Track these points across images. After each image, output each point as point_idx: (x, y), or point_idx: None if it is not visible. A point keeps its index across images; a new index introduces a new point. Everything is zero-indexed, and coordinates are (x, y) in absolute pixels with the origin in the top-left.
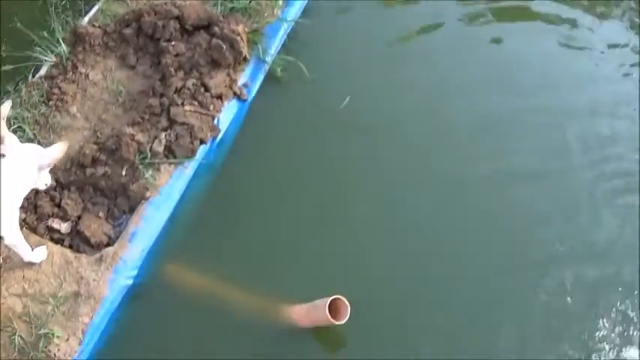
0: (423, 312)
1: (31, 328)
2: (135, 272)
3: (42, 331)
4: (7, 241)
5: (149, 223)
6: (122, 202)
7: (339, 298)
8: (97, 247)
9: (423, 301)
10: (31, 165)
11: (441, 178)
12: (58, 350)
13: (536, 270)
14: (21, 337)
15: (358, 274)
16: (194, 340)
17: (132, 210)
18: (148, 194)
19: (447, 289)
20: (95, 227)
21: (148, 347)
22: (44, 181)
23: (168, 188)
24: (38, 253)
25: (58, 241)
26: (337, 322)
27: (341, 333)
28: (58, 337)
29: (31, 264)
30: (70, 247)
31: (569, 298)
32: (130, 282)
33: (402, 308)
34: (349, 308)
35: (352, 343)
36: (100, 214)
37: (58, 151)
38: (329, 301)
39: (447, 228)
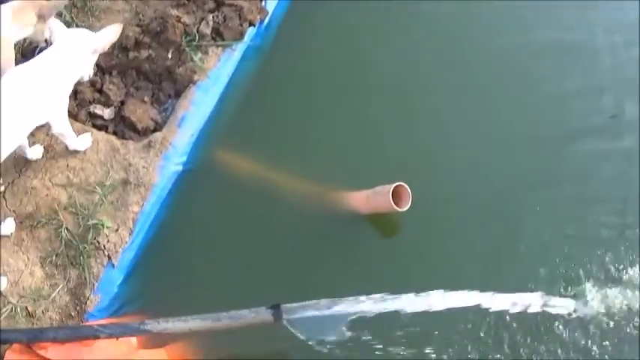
0: (481, 206)
1: (78, 219)
2: (184, 158)
3: (90, 222)
4: (55, 129)
5: (198, 107)
6: (167, 86)
7: (401, 185)
8: (144, 132)
9: (483, 194)
10: (82, 50)
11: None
12: (108, 241)
13: None
14: (67, 229)
15: (415, 162)
16: (246, 227)
17: (178, 94)
18: (195, 77)
19: (507, 186)
20: (141, 112)
21: (198, 235)
22: (89, 71)
23: (217, 71)
24: (83, 140)
25: (102, 128)
26: (399, 209)
27: (398, 220)
28: (107, 227)
29: (75, 152)
30: (115, 133)
31: None
32: (180, 168)
33: (460, 199)
34: (411, 195)
35: (408, 230)
36: (145, 98)
37: (112, 33)
38: (392, 188)
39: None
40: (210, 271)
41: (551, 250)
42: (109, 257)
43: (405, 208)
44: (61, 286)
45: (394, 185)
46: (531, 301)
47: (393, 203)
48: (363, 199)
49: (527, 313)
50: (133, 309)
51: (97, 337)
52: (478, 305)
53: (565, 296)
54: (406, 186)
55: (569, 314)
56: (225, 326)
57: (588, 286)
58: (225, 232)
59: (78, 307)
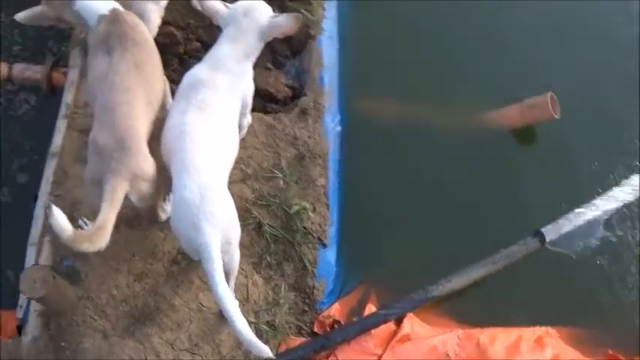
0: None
1: (274, 209)
2: (339, 116)
3: (292, 210)
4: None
5: (328, 60)
6: (280, 47)
7: (552, 95)
8: (284, 102)
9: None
10: None
11: None
12: (312, 223)
13: None
14: (269, 225)
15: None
16: (403, 164)
17: (295, 53)
18: (312, 32)
19: None
20: (273, 81)
21: (375, 187)
22: None
23: (328, 20)
24: None
25: None
26: (556, 116)
27: (534, 132)
28: (307, 209)
29: None
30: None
31: None
32: (339, 128)
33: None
34: (558, 104)
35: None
36: (268, 64)
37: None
38: (549, 98)
39: None
40: (398, 223)
41: None
42: (319, 239)
43: (558, 116)
44: (282, 285)
45: (549, 95)
46: None
47: (552, 110)
48: (517, 114)
49: None
50: (356, 283)
51: (386, 322)
52: None
53: None
54: (554, 96)
55: None
56: (502, 266)
57: None
58: (393, 175)
59: (307, 300)
